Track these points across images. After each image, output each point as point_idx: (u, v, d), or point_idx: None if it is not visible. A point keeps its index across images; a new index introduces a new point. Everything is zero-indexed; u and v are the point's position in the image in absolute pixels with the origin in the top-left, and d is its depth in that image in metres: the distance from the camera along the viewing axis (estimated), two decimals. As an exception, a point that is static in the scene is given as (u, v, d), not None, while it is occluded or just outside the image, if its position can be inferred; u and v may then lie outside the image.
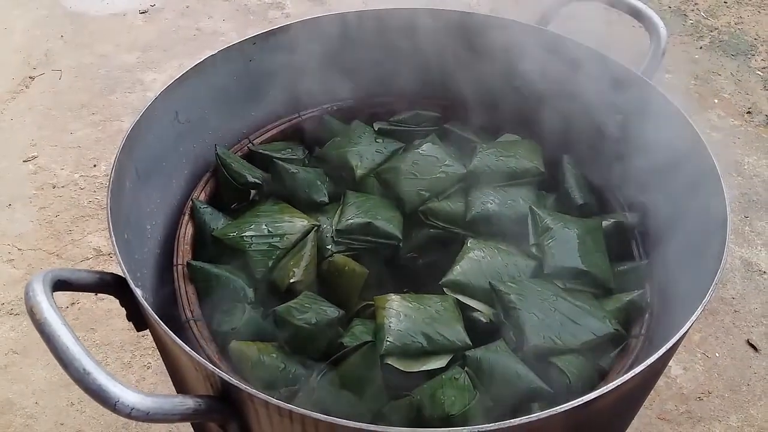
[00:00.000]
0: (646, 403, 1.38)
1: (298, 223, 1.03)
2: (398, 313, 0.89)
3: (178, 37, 2.48)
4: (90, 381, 0.60)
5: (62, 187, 1.89)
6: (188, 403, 0.65)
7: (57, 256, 1.70)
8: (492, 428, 0.62)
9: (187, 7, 2.63)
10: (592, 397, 0.65)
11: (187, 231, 1.04)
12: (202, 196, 1.10)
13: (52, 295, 0.67)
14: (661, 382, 1.45)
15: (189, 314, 0.93)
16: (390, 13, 1.18)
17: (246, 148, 1.18)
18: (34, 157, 1.98)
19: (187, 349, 0.69)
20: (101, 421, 1.39)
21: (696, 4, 2.68)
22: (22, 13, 2.59)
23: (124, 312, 0.85)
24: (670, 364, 1.48)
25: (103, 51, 2.40)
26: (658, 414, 1.41)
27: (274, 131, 1.22)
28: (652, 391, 1.26)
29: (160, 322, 0.72)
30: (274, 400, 0.63)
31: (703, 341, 1.54)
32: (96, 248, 1.72)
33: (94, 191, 1.87)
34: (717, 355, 1.52)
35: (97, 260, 1.70)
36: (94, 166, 1.95)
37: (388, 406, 0.84)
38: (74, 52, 2.40)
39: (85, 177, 1.91)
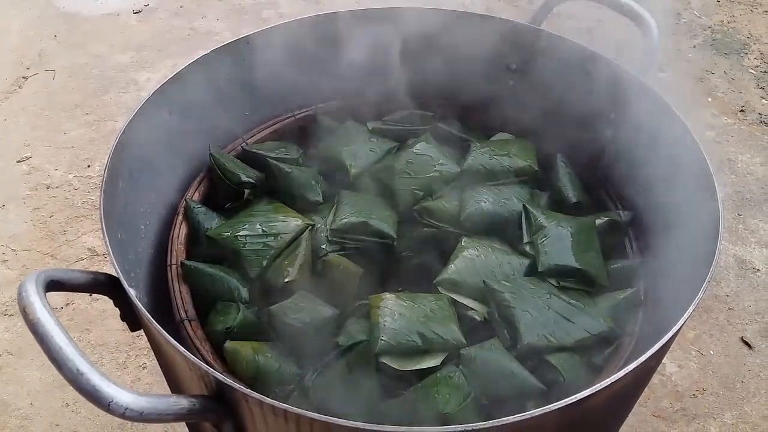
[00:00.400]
0: (641, 400, 1.38)
1: (293, 222, 1.03)
2: (393, 312, 0.89)
3: (172, 36, 2.47)
4: (84, 381, 0.60)
5: (56, 187, 1.88)
6: (182, 402, 0.65)
7: (51, 256, 1.70)
8: (486, 426, 0.63)
9: (181, 6, 2.63)
10: (586, 394, 0.66)
11: (181, 231, 1.04)
12: (196, 196, 1.10)
13: (45, 295, 0.67)
14: (655, 379, 1.46)
15: (183, 314, 0.93)
16: (383, 12, 1.18)
17: (240, 147, 1.18)
18: (28, 158, 1.97)
19: (181, 349, 0.68)
20: (96, 421, 1.39)
21: (689, 2, 2.69)
22: (15, 14, 2.58)
23: (119, 312, 0.84)
24: (664, 361, 1.48)
25: (97, 51, 2.40)
26: (653, 411, 1.42)
27: (268, 131, 1.22)
28: (646, 389, 1.26)
29: (154, 322, 0.72)
30: (269, 400, 0.63)
31: (698, 339, 1.55)
32: (90, 248, 1.71)
33: (88, 191, 1.87)
34: (711, 352, 1.53)
35: (92, 260, 1.69)
36: (88, 166, 1.95)
37: (383, 404, 0.84)
38: (68, 52, 2.39)
39: (79, 177, 1.91)
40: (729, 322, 1.58)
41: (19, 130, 2.07)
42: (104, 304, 1.57)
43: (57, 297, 1.59)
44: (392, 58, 1.22)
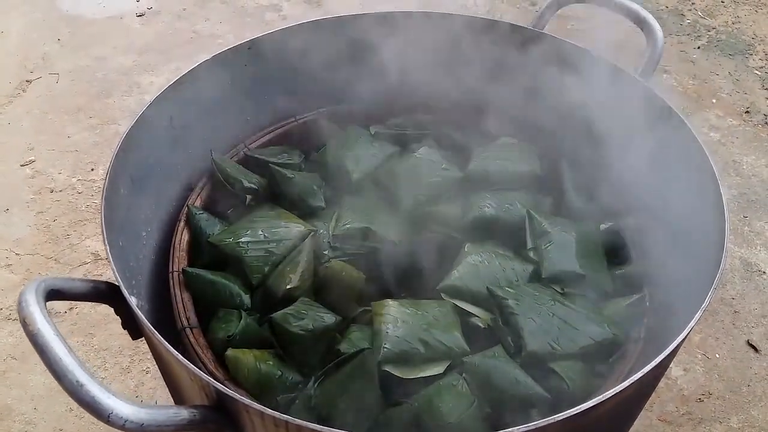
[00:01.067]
0: (646, 404, 1.37)
1: (295, 228, 1.02)
2: (395, 319, 0.88)
3: (175, 39, 2.47)
4: (83, 393, 0.59)
5: (60, 191, 1.88)
6: (183, 413, 0.64)
7: (55, 260, 1.70)
8: (490, 437, 0.62)
9: (184, 9, 2.62)
10: (592, 404, 0.65)
11: (182, 237, 1.04)
12: (198, 202, 1.09)
13: (45, 305, 0.67)
14: (661, 383, 1.45)
15: (185, 322, 0.93)
16: (386, 16, 1.18)
17: (242, 152, 1.18)
18: (32, 161, 1.97)
19: (182, 359, 0.68)
20: (100, 426, 1.39)
21: (693, 3, 2.67)
22: (18, 16, 2.58)
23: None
24: (669, 365, 1.47)
25: (100, 54, 2.40)
26: (658, 415, 1.41)
27: (270, 135, 1.21)
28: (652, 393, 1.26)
29: (155, 331, 0.71)
30: (269, 411, 0.63)
31: (703, 342, 1.54)
32: (94, 253, 1.71)
33: (92, 195, 1.87)
34: (717, 356, 1.51)
35: (96, 265, 1.69)
36: (92, 170, 1.95)
37: (385, 413, 0.83)
38: (71, 55, 2.39)
39: (82, 181, 1.91)
40: (735, 325, 1.57)
41: (23, 134, 2.07)
42: (107, 308, 1.55)
43: (60, 301, 1.58)
44: (394, 62, 1.21)
